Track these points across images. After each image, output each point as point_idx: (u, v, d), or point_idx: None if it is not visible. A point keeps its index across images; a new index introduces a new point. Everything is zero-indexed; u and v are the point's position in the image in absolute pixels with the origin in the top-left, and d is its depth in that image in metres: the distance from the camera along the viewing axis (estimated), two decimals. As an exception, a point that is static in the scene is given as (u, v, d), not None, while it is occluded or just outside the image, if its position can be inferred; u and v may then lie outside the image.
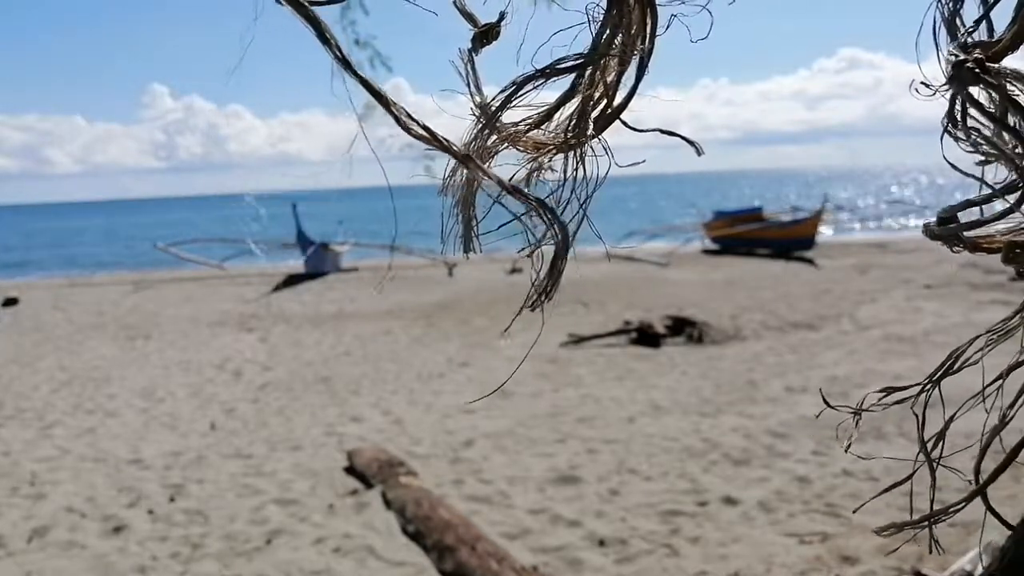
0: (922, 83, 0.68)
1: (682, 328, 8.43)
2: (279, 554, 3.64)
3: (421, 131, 0.62)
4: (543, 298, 0.66)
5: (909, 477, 0.81)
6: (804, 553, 3.42)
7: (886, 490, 0.85)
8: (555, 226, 0.63)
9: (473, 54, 0.65)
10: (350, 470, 4.68)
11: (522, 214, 0.65)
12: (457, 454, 4.96)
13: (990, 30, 0.68)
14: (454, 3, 0.65)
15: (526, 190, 0.65)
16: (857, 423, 0.82)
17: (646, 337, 8.18)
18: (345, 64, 0.60)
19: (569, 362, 7.44)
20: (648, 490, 4.24)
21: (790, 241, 17.26)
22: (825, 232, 19.75)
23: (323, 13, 0.61)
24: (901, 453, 4.50)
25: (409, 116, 0.62)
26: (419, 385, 6.88)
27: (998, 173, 0.72)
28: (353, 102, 0.60)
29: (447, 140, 0.62)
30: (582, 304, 10.50)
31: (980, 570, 2.14)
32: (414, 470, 4.49)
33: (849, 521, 3.69)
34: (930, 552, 0.80)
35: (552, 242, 0.64)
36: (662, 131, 0.67)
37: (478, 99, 0.64)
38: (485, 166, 0.63)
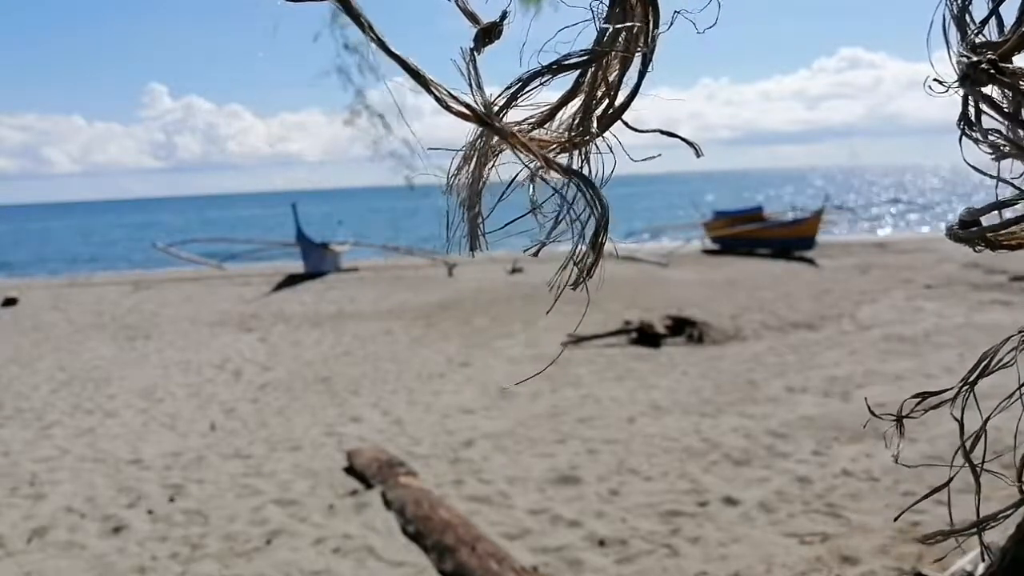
0: (935, 80, 0.68)
1: (682, 328, 8.43)
2: (279, 554, 3.63)
3: (463, 109, 0.61)
4: (585, 275, 0.65)
5: (948, 482, 0.80)
6: (804, 553, 3.42)
7: (926, 496, 0.83)
8: (596, 202, 0.63)
9: (475, 53, 0.64)
10: (350, 470, 4.67)
11: (553, 194, 0.64)
12: (457, 454, 4.96)
13: (1000, 27, 0.68)
14: (454, 1, 0.65)
15: (566, 164, 0.65)
16: (901, 431, 0.81)
17: (646, 337, 8.18)
18: (380, 43, 0.59)
19: (569, 362, 7.44)
20: (648, 490, 4.24)
21: (790, 241, 17.26)
22: (826, 233, 19.76)
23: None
24: (900, 453, 4.49)
25: (451, 95, 0.61)
26: (419, 385, 6.88)
27: (1014, 169, 0.72)
28: (347, 102, 0.60)
29: (488, 117, 0.61)
30: (582, 304, 10.48)
31: (981, 570, 2.13)
32: (414, 470, 4.49)
33: (849, 522, 3.69)
34: (983, 559, 0.79)
35: (589, 220, 0.64)
36: (662, 132, 0.67)
37: (480, 98, 0.63)
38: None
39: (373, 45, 0.59)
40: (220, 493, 4.44)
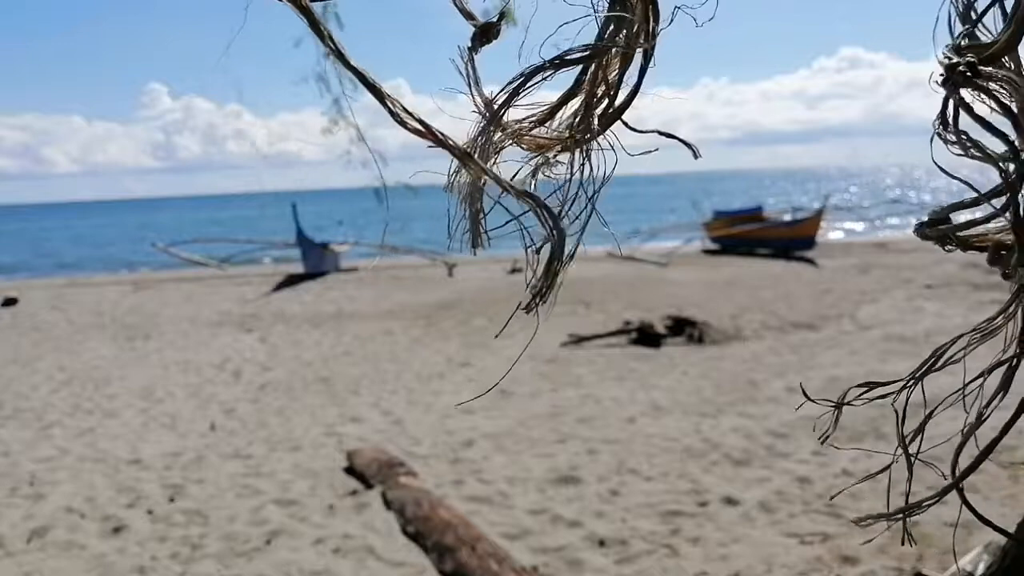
0: (936, 81, 0.68)
1: (682, 328, 8.42)
2: (279, 554, 3.63)
3: (417, 126, 0.60)
4: (538, 300, 0.65)
5: (885, 469, 0.83)
6: (805, 553, 3.41)
7: (857, 483, 0.87)
8: (553, 229, 0.62)
9: (473, 52, 0.64)
10: (350, 470, 4.67)
11: (521, 214, 0.64)
12: (457, 454, 4.95)
13: (1006, 23, 0.68)
14: (453, 1, 0.65)
15: (527, 189, 0.64)
16: (837, 417, 0.84)
17: (646, 337, 8.18)
18: (339, 56, 0.59)
19: (569, 362, 7.43)
20: (648, 490, 4.23)
21: (791, 241, 17.25)
22: (827, 234, 19.75)
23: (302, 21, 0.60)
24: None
25: (405, 111, 0.60)
26: (419, 385, 6.88)
27: (989, 175, 0.72)
28: (333, 109, 0.60)
29: (444, 135, 0.61)
30: (582, 304, 10.50)
31: (981, 570, 2.13)
32: (414, 470, 4.49)
33: (849, 521, 3.68)
34: (902, 544, 0.82)
35: (551, 243, 0.63)
36: (661, 133, 0.67)
37: (479, 97, 0.63)
38: (490, 163, 0.63)
39: (337, 57, 0.58)
40: (220, 493, 4.44)
